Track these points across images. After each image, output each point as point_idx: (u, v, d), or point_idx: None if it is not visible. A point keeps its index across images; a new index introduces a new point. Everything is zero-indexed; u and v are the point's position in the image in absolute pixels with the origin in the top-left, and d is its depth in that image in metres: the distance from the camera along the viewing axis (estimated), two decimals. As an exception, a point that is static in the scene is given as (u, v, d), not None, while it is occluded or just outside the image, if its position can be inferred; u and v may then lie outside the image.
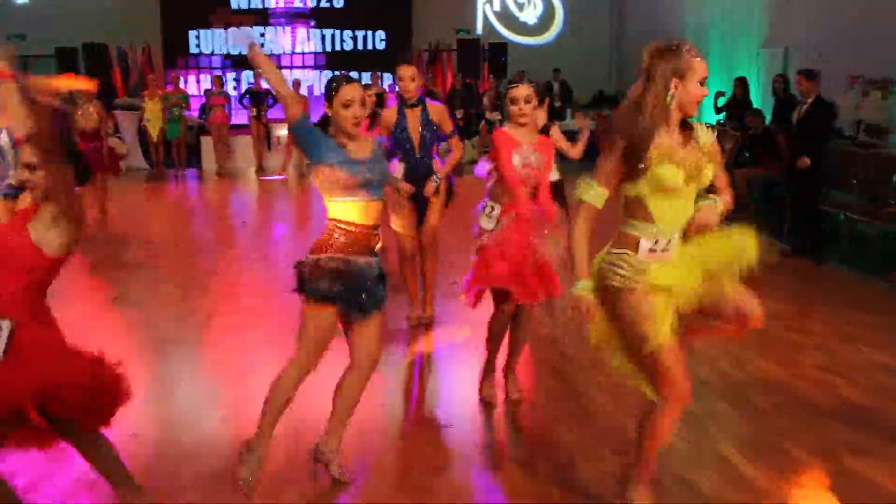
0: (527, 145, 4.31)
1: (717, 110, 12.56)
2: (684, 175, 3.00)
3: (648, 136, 2.97)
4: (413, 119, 5.58)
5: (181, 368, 5.21)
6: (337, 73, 3.73)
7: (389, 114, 5.67)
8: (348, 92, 3.43)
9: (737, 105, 12.10)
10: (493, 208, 4.29)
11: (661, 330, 3.00)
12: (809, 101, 7.86)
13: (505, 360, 4.60)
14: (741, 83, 12.10)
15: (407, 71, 5.53)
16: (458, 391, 4.91)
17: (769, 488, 3.60)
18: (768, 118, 11.02)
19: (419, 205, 5.78)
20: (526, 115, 4.29)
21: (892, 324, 5.92)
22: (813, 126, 7.81)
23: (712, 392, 4.70)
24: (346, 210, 3.46)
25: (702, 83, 3.00)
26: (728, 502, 3.51)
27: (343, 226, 3.47)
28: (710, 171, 3.08)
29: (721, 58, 14.34)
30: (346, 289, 3.44)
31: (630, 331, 3.04)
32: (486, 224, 4.28)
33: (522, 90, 4.29)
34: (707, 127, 3.17)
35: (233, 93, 16.41)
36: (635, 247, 3.03)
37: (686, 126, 3.09)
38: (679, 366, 3.08)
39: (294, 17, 18.30)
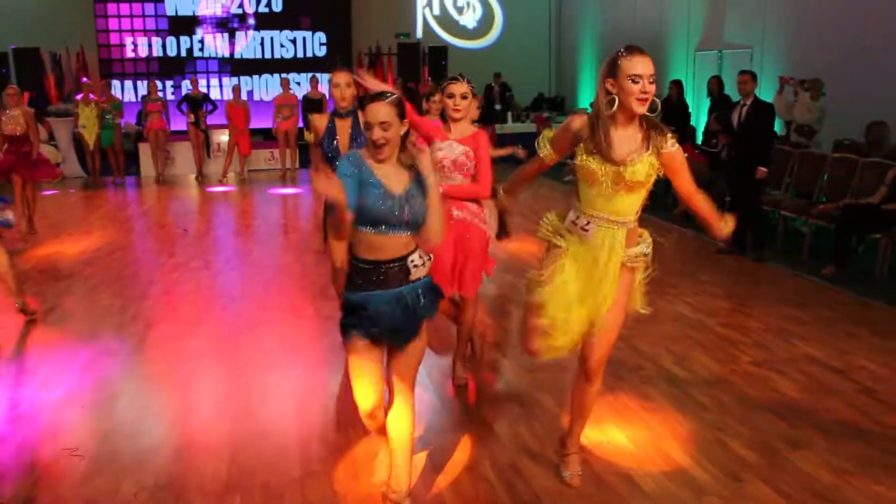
0: (453, 140, 4.51)
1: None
2: (608, 173, 3.22)
3: (583, 131, 3.27)
4: (343, 131, 4.87)
5: (120, 379, 5.11)
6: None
7: (321, 120, 5.01)
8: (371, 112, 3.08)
9: (671, 106, 12.36)
10: None
11: (554, 289, 3.35)
12: (749, 102, 7.93)
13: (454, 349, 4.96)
14: (676, 85, 12.35)
15: (342, 77, 4.92)
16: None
17: (711, 483, 3.68)
18: (703, 118, 11.28)
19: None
20: (460, 110, 4.49)
21: (824, 318, 6.10)
22: (756, 126, 7.88)
23: (655, 390, 4.79)
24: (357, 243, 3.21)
25: (633, 79, 3.11)
26: (671, 498, 3.57)
27: (354, 261, 3.21)
28: (646, 177, 3.24)
29: (658, 61, 14.60)
30: (368, 323, 3.19)
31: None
32: None
33: (461, 86, 4.50)
34: (671, 137, 3.26)
35: (171, 98, 16.15)
36: (565, 215, 3.45)
37: (649, 129, 3.23)
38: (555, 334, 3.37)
39: (232, 21, 18.07)
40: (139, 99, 15.96)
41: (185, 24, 17.78)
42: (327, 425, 4.38)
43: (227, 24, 17.99)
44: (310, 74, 15.82)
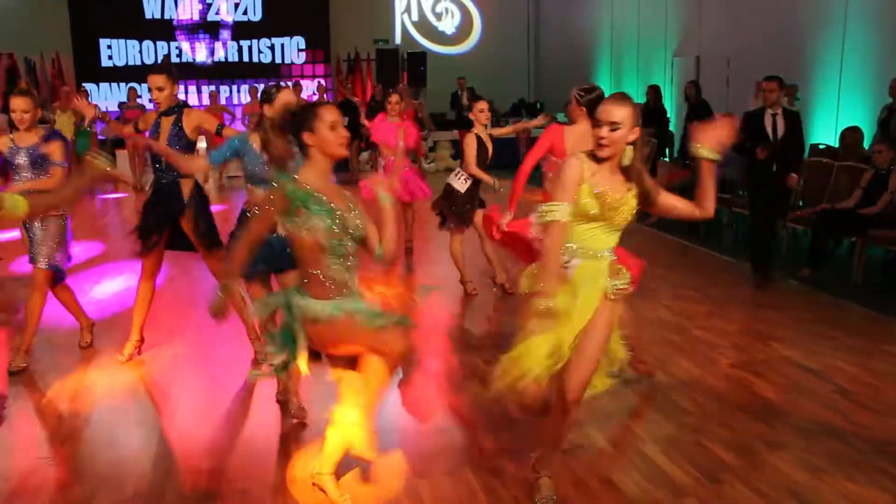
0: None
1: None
2: (600, 209, 3.21)
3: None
4: (165, 129, 5.14)
5: (98, 387, 5.06)
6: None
7: (150, 116, 5.34)
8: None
9: (649, 111, 12.45)
10: None
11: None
12: (778, 111, 7.23)
13: None
14: (653, 90, 12.45)
15: (155, 80, 5.11)
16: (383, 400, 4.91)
17: (691, 485, 3.70)
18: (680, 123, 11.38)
19: (171, 228, 5.36)
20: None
21: (802, 320, 6.15)
22: (792, 137, 7.23)
23: (635, 393, 4.81)
24: None
25: (599, 123, 3.19)
26: (650, 499, 3.59)
27: None
28: (628, 212, 3.27)
29: (636, 66, 14.71)
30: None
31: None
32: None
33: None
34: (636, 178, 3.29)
35: (148, 105, 16.05)
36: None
37: (627, 170, 3.26)
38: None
39: (210, 27, 18.01)
40: (117, 105, 15.84)
41: (163, 30, 17.72)
42: (306, 432, 4.36)
43: (206, 31, 17.92)
44: (290, 81, 15.82)
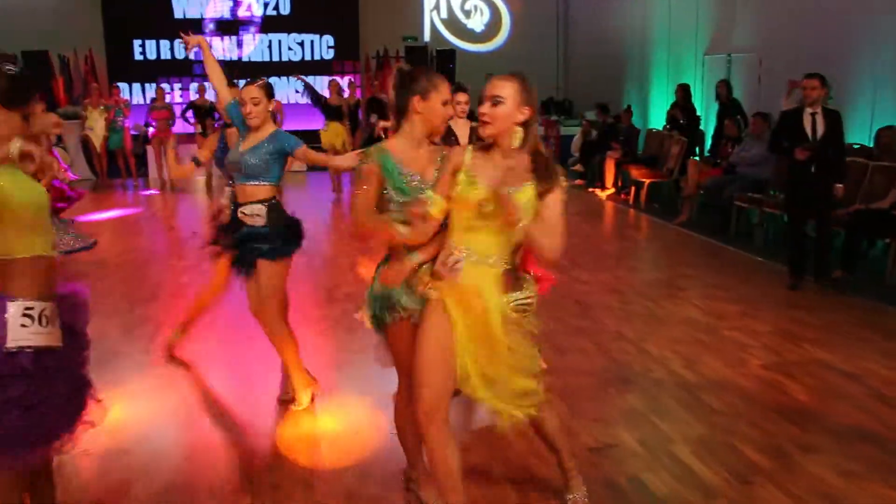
0: None
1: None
2: (481, 201, 2.94)
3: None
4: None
5: (130, 380, 5.12)
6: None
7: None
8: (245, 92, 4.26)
9: (679, 110, 12.37)
10: None
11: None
12: (818, 110, 6.91)
13: None
14: (682, 89, 12.37)
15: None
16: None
17: (721, 486, 3.68)
18: (712, 122, 11.30)
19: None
20: None
21: (834, 322, 6.08)
22: (833, 138, 6.96)
23: (665, 393, 4.79)
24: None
25: (481, 100, 3.03)
26: (680, 500, 3.57)
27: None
28: (520, 209, 2.91)
29: (667, 65, 14.60)
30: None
31: None
32: None
33: None
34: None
35: (178, 100, 16.15)
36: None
37: (533, 159, 3.04)
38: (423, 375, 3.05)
39: (239, 24, 18.11)
40: (148, 102, 15.97)
41: (193, 28, 17.83)
42: (336, 426, 4.39)
43: (235, 27, 18.03)
44: (320, 78, 15.87)
